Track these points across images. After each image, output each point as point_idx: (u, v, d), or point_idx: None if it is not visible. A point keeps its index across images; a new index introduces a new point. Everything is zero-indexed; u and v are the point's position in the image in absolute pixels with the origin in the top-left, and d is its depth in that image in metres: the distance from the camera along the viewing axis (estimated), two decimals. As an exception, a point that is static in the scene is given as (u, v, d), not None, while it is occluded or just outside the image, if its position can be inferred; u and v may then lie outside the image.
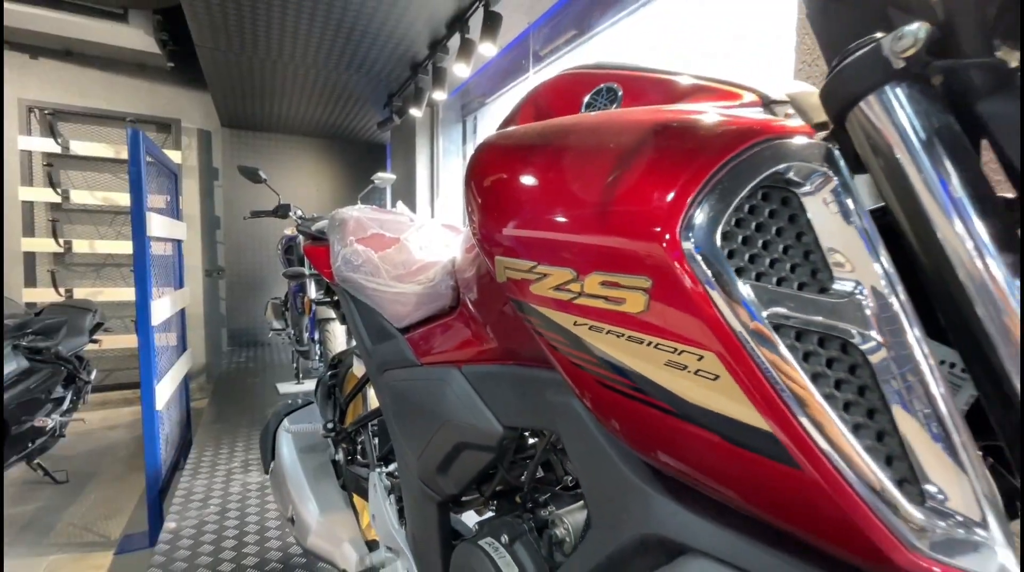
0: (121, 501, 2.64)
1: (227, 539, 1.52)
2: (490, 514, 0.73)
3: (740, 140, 0.28)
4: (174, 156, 3.99)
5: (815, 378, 0.26)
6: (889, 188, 0.29)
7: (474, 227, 0.45)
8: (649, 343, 0.29)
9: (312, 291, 2.58)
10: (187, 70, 3.92)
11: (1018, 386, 0.24)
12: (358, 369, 1.11)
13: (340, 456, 1.04)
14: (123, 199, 3.83)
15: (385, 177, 2.78)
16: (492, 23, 2.00)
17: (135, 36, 3.42)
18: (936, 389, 0.25)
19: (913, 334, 0.26)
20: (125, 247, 3.82)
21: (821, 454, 0.24)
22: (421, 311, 0.78)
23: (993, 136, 0.25)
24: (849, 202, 0.27)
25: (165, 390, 2.45)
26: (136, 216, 2.16)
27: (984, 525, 0.23)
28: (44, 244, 3.65)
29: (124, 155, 3.81)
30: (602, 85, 0.47)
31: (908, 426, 0.25)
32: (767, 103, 0.39)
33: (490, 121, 3.39)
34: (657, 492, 0.35)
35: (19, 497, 2.64)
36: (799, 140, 0.29)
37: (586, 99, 0.46)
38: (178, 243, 3.01)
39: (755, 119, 0.30)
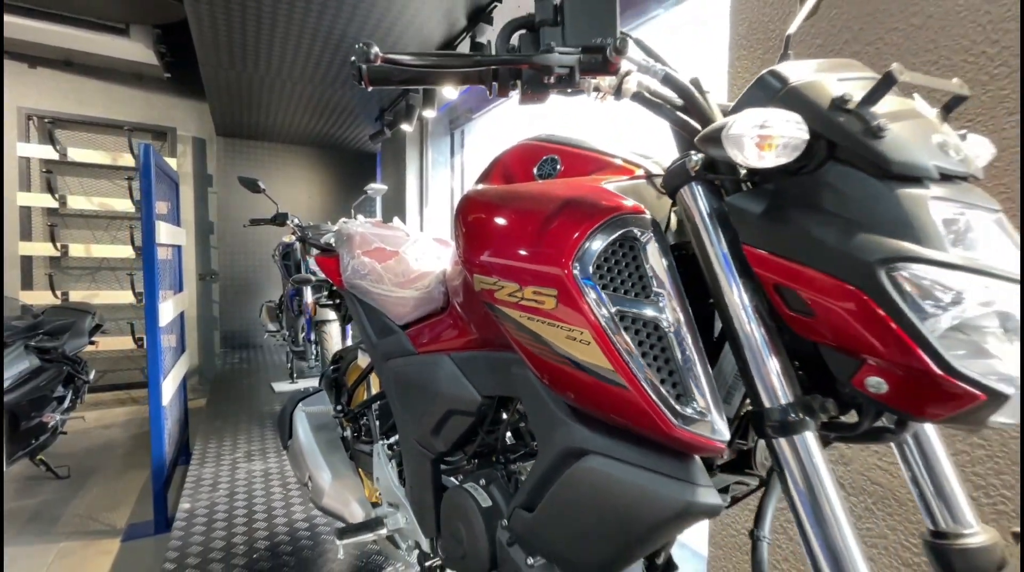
0: (122, 494, 2.79)
1: (237, 516, 1.71)
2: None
3: (607, 212, 0.51)
4: (170, 163, 4.14)
5: (639, 343, 0.48)
6: (694, 242, 0.52)
7: (459, 253, 0.67)
8: (558, 326, 0.51)
9: (308, 295, 2.77)
10: (183, 80, 4.08)
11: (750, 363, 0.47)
12: (362, 361, 1.32)
13: (348, 433, 1.26)
14: (119, 204, 3.97)
15: (377, 187, 2.99)
16: (478, 53, 2.23)
17: (135, 48, 3.59)
18: (695, 352, 0.48)
19: (688, 324, 0.48)
20: (120, 251, 3.96)
21: (639, 382, 0.47)
22: (418, 311, 1.00)
23: (730, 218, 0.48)
24: (662, 253, 0.50)
25: (168, 388, 2.62)
26: (146, 224, 2.33)
27: (709, 413, 0.46)
28: (41, 248, 3.78)
29: (121, 162, 3.97)
30: (546, 156, 0.70)
31: (682, 369, 0.47)
32: (649, 176, 0.62)
33: (476, 135, 3.62)
34: (572, 420, 0.58)
35: (24, 491, 2.78)
36: (638, 215, 0.51)
37: (536, 166, 0.69)
38: (178, 249, 3.17)
39: (616, 199, 0.52)
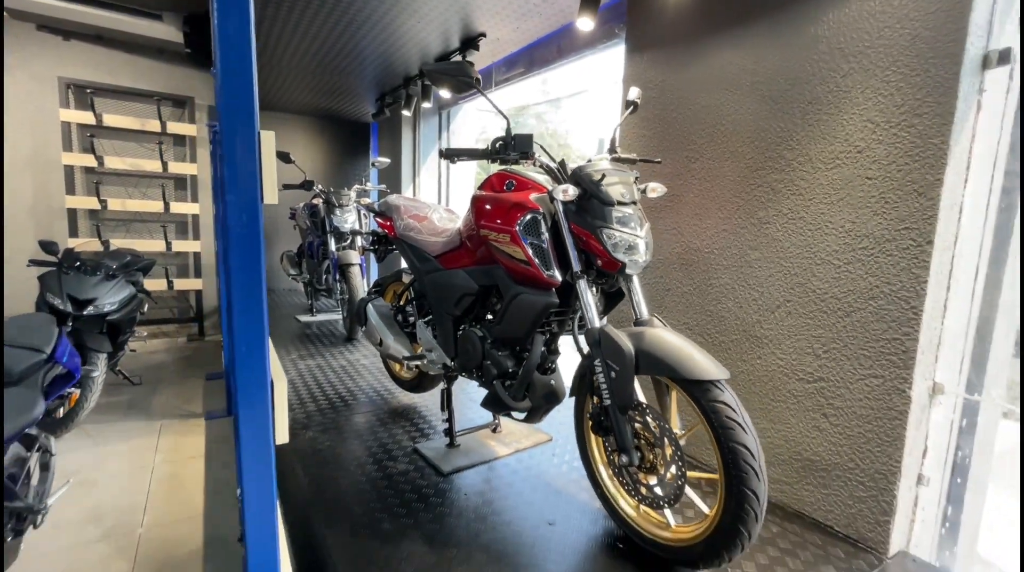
0: (189, 394, 3.78)
1: (310, 384, 2.76)
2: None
3: (528, 209, 1.53)
4: (190, 129, 4.90)
5: (535, 252, 1.52)
6: (559, 221, 1.56)
7: (473, 220, 1.71)
8: (511, 247, 1.54)
9: (332, 244, 3.73)
10: (200, 54, 4.79)
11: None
12: (406, 279, 2.36)
13: (400, 318, 2.30)
14: (148, 165, 4.75)
15: (382, 160, 3.92)
16: (467, 70, 3.17)
17: (165, 29, 4.31)
18: (554, 256, 1.52)
19: (552, 247, 1.53)
20: (151, 206, 4.77)
21: (535, 263, 1.50)
22: (444, 248, 2.03)
23: (569, 223, 1.52)
24: (545, 225, 1.53)
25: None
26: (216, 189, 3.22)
27: (555, 272, 1.51)
28: (85, 202, 4.56)
29: (149, 127, 4.72)
30: (509, 179, 1.72)
31: (547, 259, 1.52)
32: (548, 192, 1.67)
33: (462, 116, 4.54)
34: (514, 284, 1.63)
35: (112, 392, 3.74)
36: (538, 210, 1.54)
37: (504, 184, 1.71)
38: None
39: (534, 203, 1.54)
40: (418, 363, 2.15)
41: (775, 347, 1.80)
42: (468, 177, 4.86)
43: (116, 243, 4.72)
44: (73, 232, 4.59)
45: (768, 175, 1.80)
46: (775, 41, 1.76)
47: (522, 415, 1.79)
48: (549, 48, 3.11)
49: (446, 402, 2.09)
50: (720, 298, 1.98)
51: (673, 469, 1.37)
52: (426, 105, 3.75)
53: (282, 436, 0.89)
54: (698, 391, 1.27)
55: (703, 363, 1.27)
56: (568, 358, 1.80)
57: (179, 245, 4.95)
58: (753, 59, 1.83)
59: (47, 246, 3.12)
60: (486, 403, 1.81)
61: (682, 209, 2.10)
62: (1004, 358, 1.75)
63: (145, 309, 3.78)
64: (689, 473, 1.36)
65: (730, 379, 1.28)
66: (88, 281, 3.10)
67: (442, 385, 2.14)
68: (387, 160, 3.91)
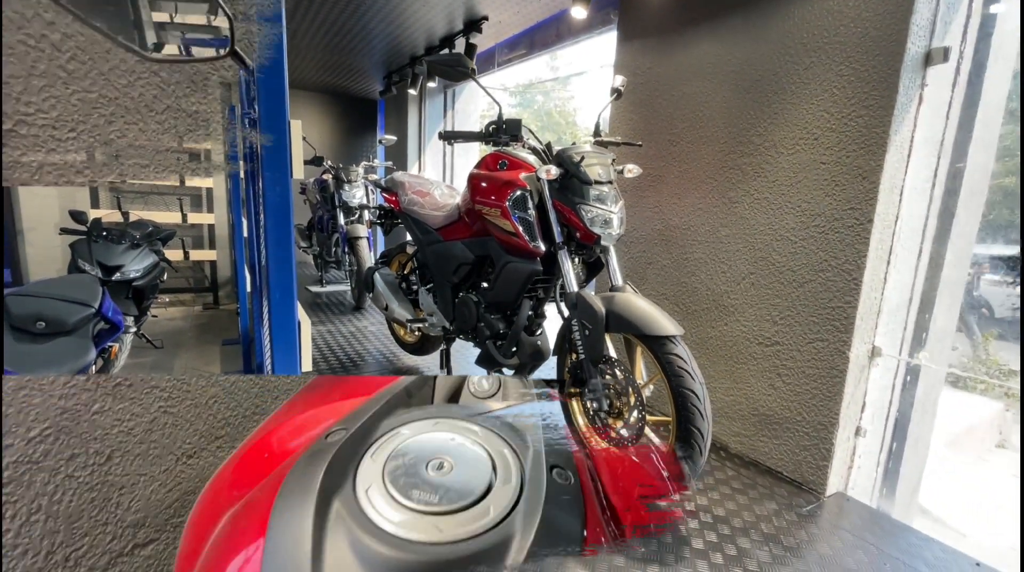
0: (208, 356, 4.07)
1: (325, 337, 3.02)
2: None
3: (516, 186, 1.74)
4: (203, 104, 5.09)
5: (521, 224, 1.74)
6: (545, 197, 1.77)
7: (470, 196, 1.93)
8: (501, 219, 1.76)
9: (341, 218, 3.96)
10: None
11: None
12: (409, 250, 2.59)
13: (404, 285, 2.54)
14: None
15: (389, 138, 4.11)
16: (470, 52, 3.33)
17: (179, 7, 4.48)
18: (538, 228, 1.74)
19: (537, 220, 1.74)
20: (167, 179, 5.00)
21: (522, 235, 1.72)
22: (444, 222, 2.25)
23: (553, 200, 1.73)
24: (531, 200, 1.75)
25: (247, 280, 3.82)
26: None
27: (539, 243, 1.73)
28: (105, 174, 4.81)
29: (164, 103, 4.92)
30: (502, 159, 1.93)
31: (533, 231, 1.73)
32: (534, 171, 1.88)
33: (467, 95, 4.69)
34: (505, 254, 1.85)
35: (137, 354, 4.04)
36: (525, 187, 1.75)
37: (498, 163, 1.92)
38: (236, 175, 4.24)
39: (522, 182, 1.75)
40: (420, 326, 2.39)
41: (740, 315, 2.02)
42: (473, 154, 5.04)
43: (135, 215, 4.97)
44: (95, 203, 4.85)
45: (739, 159, 1.99)
46: (748, 35, 1.93)
47: (511, 372, 2.03)
48: (549, 31, 3.27)
49: (445, 360, 2.34)
50: (694, 271, 2.19)
51: (636, 413, 1.61)
52: (431, 84, 3.92)
53: (307, 364, 1.13)
54: (656, 345, 1.50)
55: (661, 321, 1.50)
56: (554, 324, 2.03)
57: (194, 217, 5.20)
58: (729, 51, 2.00)
59: (77, 216, 3.37)
60: (480, 361, 2.05)
61: (663, 189, 2.30)
62: (947, 329, 1.96)
63: (165, 277, 4.05)
64: (649, 418, 1.60)
65: (684, 336, 1.50)
66: (115, 249, 3.36)
67: (442, 347, 2.38)
68: (393, 138, 4.10)
